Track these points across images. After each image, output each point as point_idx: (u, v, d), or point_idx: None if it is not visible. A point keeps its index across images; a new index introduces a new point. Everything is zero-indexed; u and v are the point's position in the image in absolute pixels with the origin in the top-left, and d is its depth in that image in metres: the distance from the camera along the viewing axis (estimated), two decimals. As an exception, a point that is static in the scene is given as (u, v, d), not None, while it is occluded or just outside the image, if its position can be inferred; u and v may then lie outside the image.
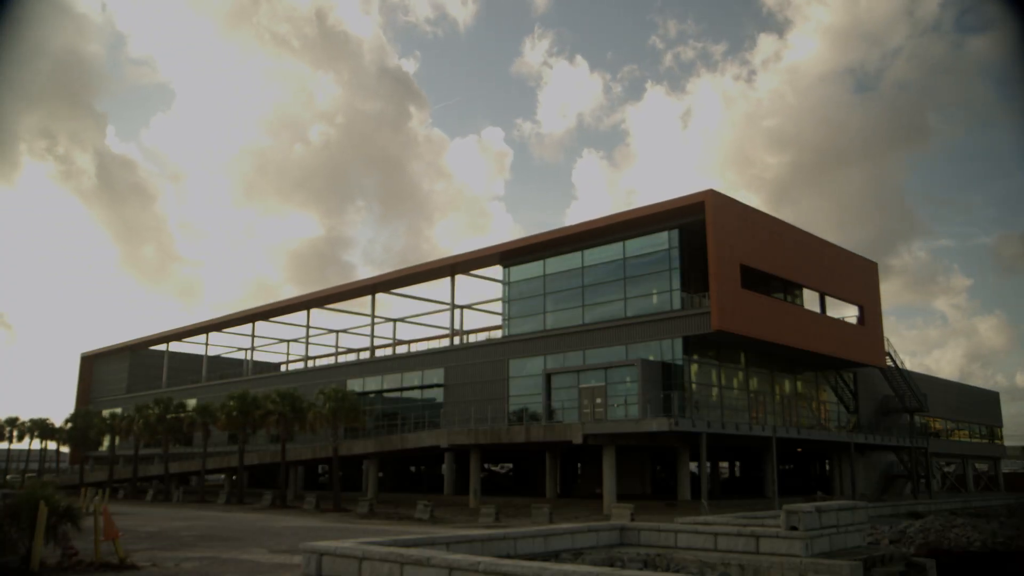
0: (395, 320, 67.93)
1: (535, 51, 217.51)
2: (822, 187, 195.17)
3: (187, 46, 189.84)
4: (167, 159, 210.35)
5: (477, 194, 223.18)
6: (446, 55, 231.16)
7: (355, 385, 55.95)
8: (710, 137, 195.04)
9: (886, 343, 53.06)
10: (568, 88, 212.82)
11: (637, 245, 42.76)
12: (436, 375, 51.39)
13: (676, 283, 40.68)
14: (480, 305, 62.42)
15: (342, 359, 69.12)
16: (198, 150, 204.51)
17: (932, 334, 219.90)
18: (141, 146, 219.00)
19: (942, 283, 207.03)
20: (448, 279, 52.96)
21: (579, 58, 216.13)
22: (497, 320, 55.35)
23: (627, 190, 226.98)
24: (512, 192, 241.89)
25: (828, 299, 49.10)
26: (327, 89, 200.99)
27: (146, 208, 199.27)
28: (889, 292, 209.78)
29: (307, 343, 68.01)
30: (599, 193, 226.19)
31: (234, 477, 58.76)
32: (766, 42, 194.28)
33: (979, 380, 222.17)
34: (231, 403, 50.34)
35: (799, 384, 50.52)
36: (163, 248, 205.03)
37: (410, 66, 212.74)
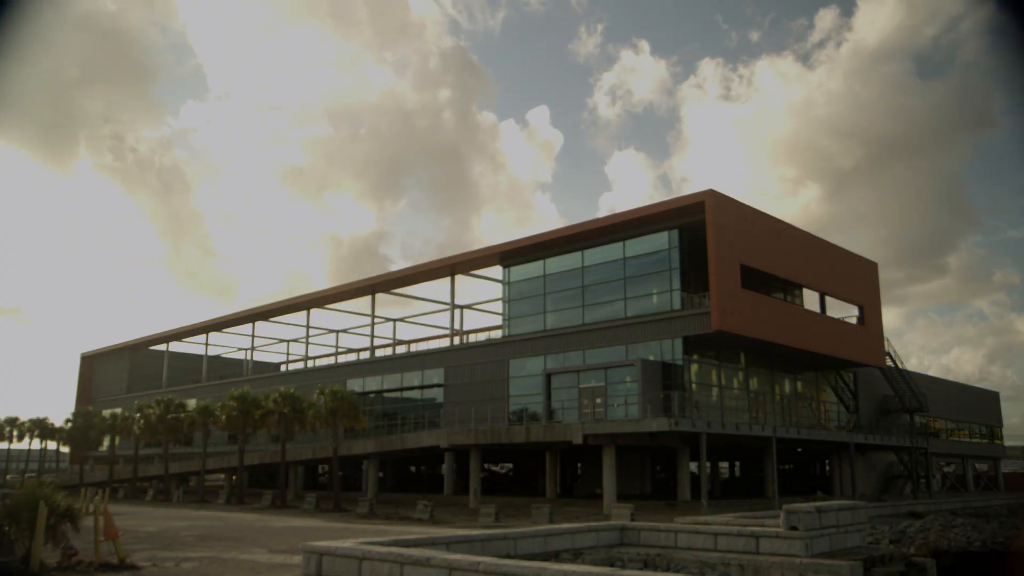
0: (395, 320, 67.97)
1: (592, 36, 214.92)
2: (883, 177, 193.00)
3: (232, 30, 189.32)
4: (207, 149, 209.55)
5: (524, 183, 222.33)
6: (500, 39, 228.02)
7: (355, 385, 55.95)
8: (768, 124, 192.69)
9: (886, 343, 53.07)
10: (624, 74, 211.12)
11: (637, 245, 42.74)
12: (436, 375, 51.37)
13: (676, 283, 40.66)
14: (480, 305, 62.44)
15: (342, 359, 69.10)
16: (238, 140, 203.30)
17: (967, 331, 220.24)
18: (181, 135, 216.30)
19: (994, 280, 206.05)
20: (448, 279, 52.96)
21: (641, 42, 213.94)
22: (497, 320, 55.34)
23: (680, 178, 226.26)
24: (560, 181, 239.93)
25: (828, 299, 49.09)
26: (381, 74, 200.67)
27: (185, 200, 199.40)
28: (938, 289, 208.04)
29: (307, 343, 67.99)
30: (648, 181, 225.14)
31: (234, 477, 58.74)
32: (828, 24, 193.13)
33: (996, 380, 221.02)
34: (231, 403, 50.32)
35: (799, 384, 50.51)
36: (201, 243, 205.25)
37: (468, 50, 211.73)
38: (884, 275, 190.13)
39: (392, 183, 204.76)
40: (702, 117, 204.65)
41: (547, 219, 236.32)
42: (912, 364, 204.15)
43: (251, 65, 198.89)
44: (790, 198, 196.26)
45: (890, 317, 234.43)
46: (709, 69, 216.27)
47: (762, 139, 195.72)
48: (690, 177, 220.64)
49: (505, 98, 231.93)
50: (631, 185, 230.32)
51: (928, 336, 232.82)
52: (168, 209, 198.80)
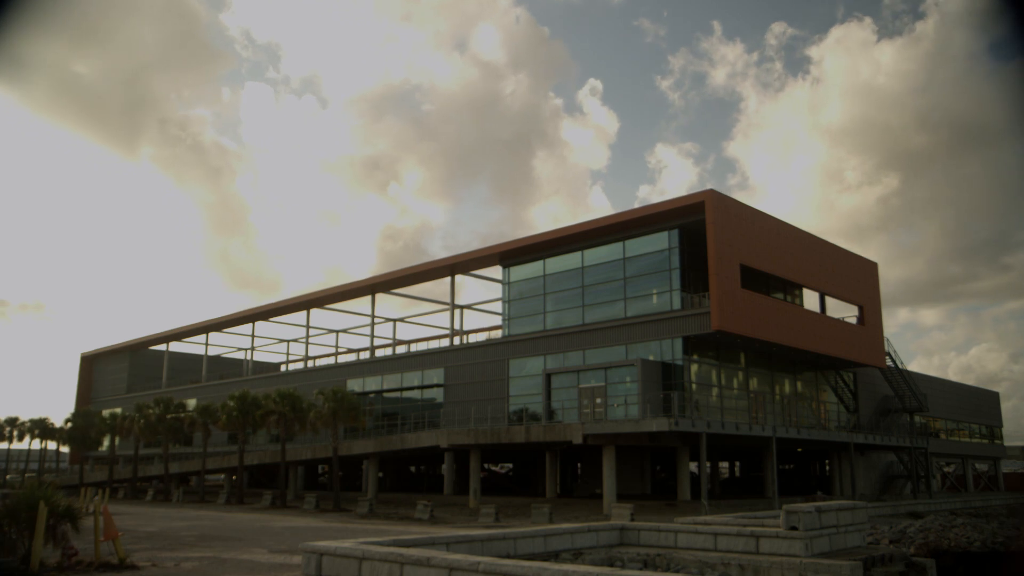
0: (395, 320, 67.95)
1: (658, 21, 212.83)
2: (954, 167, 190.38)
3: (298, 16, 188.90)
4: (265, 138, 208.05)
5: (581, 171, 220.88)
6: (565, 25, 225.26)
7: (355, 385, 55.96)
8: (834, 109, 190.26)
9: (886, 343, 53.06)
10: (692, 59, 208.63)
11: (637, 245, 42.74)
12: (436, 375, 51.38)
13: (676, 283, 40.66)
14: (480, 305, 62.45)
15: (342, 359, 69.12)
16: (296, 129, 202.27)
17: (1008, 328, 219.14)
18: (239, 123, 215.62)
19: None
20: (448, 279, 52.96)
21: (713, 22, 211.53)
22: (497, 320, 55.36)
23: (741, 166, 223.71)
24: (618, 171, 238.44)
25: (828, 299, 49.09)
26: (449, 59, 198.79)
27: (235, 190, 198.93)
28: (990, 288, 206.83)
29: (307, 343, 67.98)
30: (706, 170, 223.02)
31: (234, 477, 58.75)
32: (901, 6, 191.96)
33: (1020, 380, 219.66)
34: (231, 403, 50.35)
35: (799, 384, 50.50)
36: (247, 235, 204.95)
37: (543, 31, 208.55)
38: (941, 269, 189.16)
39: (454, 174, 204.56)
40: (768, 102, 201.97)
41: (599, 211, 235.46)
42: (936, 360, 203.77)
43: (317, 53, 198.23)
44: (853, 185, 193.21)
45: (930, 314, 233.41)
46: (778, 52, 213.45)
47: (828, 123, 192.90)
48: (750, 164, 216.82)
49: (567, 84, 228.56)
50: (687, 173, 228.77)
51: (963, 332, 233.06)
52: (223, 200, 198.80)
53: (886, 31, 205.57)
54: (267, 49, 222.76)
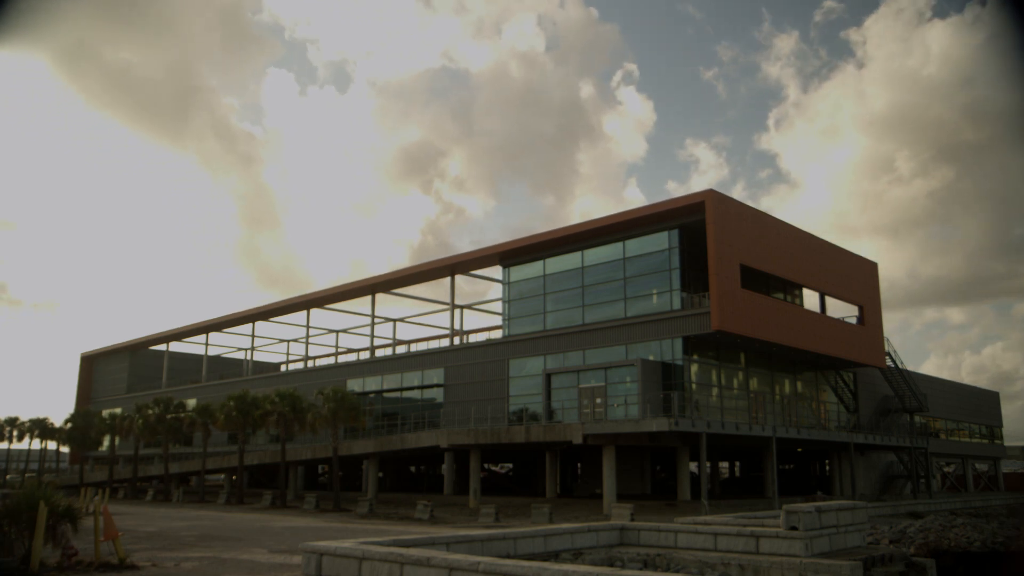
0: (395, 320, 67.95)
1: (703, 7, 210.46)
2: (1005, 161, 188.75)
3: (337, 4, 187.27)
4: (303, 129, 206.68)
5: (617, 167, 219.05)
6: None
7: (355, 385, 55.95)
8: (885, 101, 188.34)
9: (886, 343, 53.06)
10: (735, 48, 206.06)
11: (637, 245, 42.74)
12: (436, 375, 51.37)
13: (676, 283, 40.66)
14: (480, 305, 62.45)
15: (342, 359, 69.11)
16: (323, 120, 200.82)
17: None
18: (277, 115, 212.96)
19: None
20: (448, 279, 52.96)
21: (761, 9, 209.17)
22: (497, 320, 55.35)
23: (776, 163, 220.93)
24: (653, 164, 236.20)
25: (828, 299, 49.08)
26: (488, 47, 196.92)
27: (260, 184, 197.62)
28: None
29: (307, 343, 67.98)
30: (735, 163, 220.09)
31: (234, 477, 58.76)
32: None
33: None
34: (230, 403, 50.34)
35: (799, 384, 50.50)
36: (277, 235, 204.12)
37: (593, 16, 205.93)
38: (984, 266, 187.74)
39: (492, 166, 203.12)
40: (809, 92, 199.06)
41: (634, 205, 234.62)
42: (950, 360, 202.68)
43: (351, 40, 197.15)
44: (896, 179, 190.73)
45: (956, 312, 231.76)
46: (822, 38, 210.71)
47: (871, 114, 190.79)
48: (787, 156, 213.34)
49: (609, 71, 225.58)
50: (718, 169, 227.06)
51: (978, 332, 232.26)
52: (255, 192, 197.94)
53: (938, 12, 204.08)
54: (300, 37, 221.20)
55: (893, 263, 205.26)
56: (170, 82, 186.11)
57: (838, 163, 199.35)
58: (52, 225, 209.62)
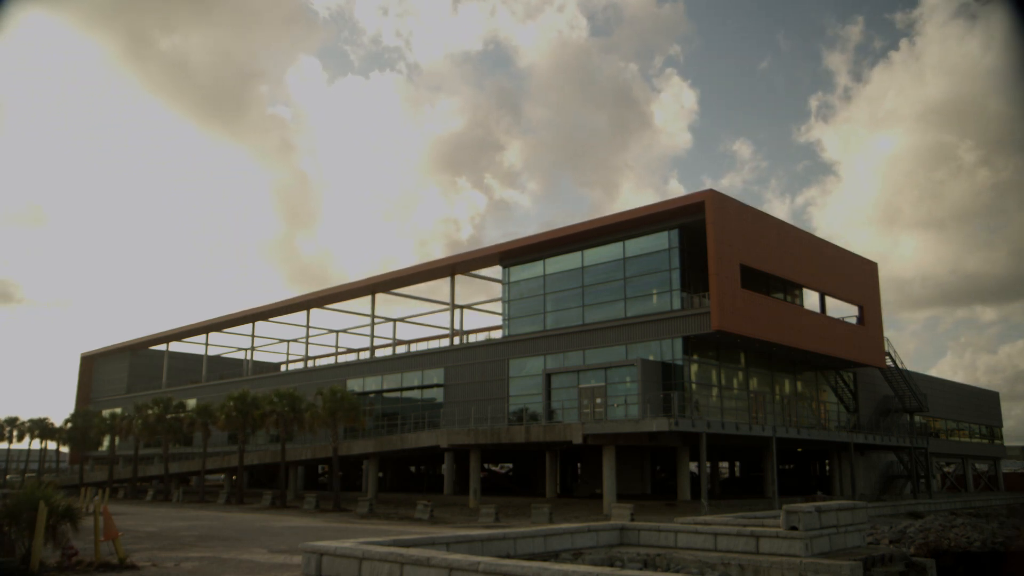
0: (395, 320, 67.95)
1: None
2: None
3: None
4: (343, 121, 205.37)
5: (661, 160, 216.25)
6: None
7: (355, 385, 55.94)
8: (927, 87, 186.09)
9: (886, 343, 53.06)
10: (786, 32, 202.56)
11: (637, 245, 42.74)
12: (436, 375, 51.37)
13: (676, 283, 40.66)
14: (480, 305, 62.44)
15: (342, 359, 69.10)
16: (363, 107, 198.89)
17: None
18: (316, 105, 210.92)
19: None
20: (448, 279, 52.95)
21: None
22: (497, 320, 55.34)
23: (819, 155, 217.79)
24: (696, 157, 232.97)
25: (828, 299, 49.09)
26: (536, 27, 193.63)
27: (298, 172, 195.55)
28: None
29: (307, 343, 67.99)
30: (783, 151, 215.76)
31: (234, 477, 58.77)
32: None
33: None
34: (230, 403, 50.34)
35: (799, 384, 50.49)
36: (311, 232, 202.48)
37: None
38: None
39: (539, 156, 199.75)
40: (860, 79, 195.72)
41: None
42: (966, 358, 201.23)
43: (397, 23, 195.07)
44: (941, 172, 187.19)
45: (988, 311, 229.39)
46: (872, 23, 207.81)
47: (926, 102, 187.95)
48: (831, 148, 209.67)
49: (659, 55, 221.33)
50: (766, 160, 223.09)
51: (996, 331, 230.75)
52: (299, 184, 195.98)
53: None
54: (344, 22, 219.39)
55: (936, 258, 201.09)
56: (214, 67, 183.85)
57: (886, 154, 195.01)
58: (70, 221, 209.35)
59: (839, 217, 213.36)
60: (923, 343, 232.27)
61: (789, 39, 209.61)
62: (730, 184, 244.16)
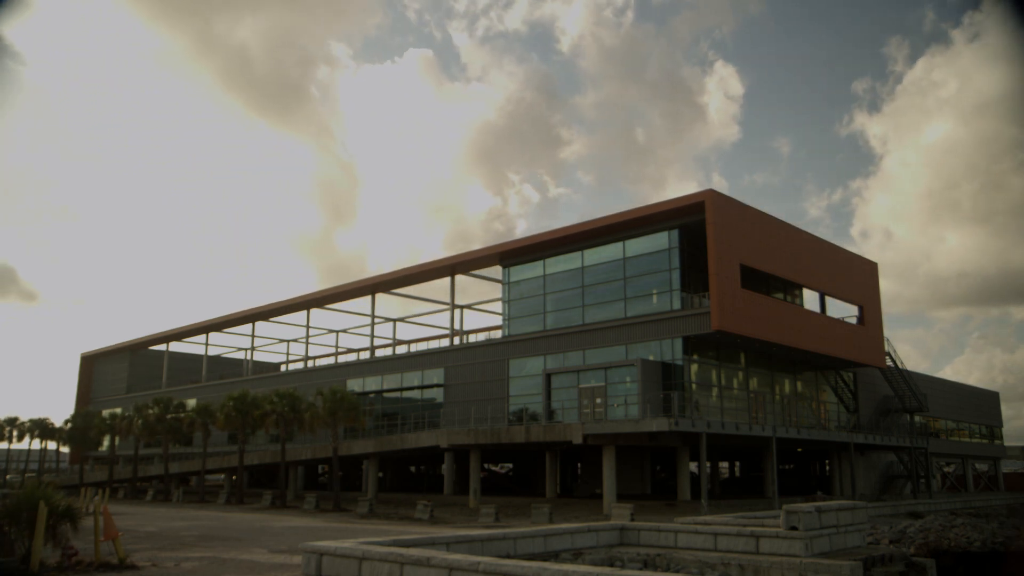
0: (395, 320, 67.96)
1: None
2: None
3: None
4: (386, 112, 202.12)
5: (708, 151, 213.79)
6: None
7: (355, 385, 55.95)
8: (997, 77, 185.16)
9: (886, 343, 53.07)
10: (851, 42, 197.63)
11: (637, 245, 42.74)
12: (436, 375, 51.37)
13: (676, 283, 40.66)
14: (480, 305, 62.43)
15: (342, 359, 69.10)
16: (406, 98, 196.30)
17: None
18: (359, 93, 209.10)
19: None
20: (448, 279, 52.95)
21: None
22: (497, 320, 55.35)
23: (868, 148, 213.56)
24: (738, 151, 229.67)
25: (828, 299, 49.09)
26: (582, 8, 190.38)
27: (340, 159, 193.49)
28: None
29: (307, 343, 67.99)
30: (828, 142, 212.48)
31: (234, 477, 58.75)
32: None
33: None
34: (230, 403, 50.33)
35: (799, 384, 50.50)
36: (350, 226, 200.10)
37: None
38: None
39: (586, 146, 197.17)
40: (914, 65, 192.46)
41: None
42: (982, 358, 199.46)
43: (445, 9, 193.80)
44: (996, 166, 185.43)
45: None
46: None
47: (986, 93, 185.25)
48: (879, 140, 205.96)
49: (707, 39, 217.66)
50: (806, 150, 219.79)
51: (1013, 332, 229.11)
52: (339, 175, 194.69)
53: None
54: (389, 8, 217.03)
55: (981, 254, 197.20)
56: (262, 52, 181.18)
57: (936, 145, 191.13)
58: (76, 219, 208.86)
59: (882, 210, 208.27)
60: (948, 342, 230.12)
61: (839, 24, 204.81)
62: (772, 174, 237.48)
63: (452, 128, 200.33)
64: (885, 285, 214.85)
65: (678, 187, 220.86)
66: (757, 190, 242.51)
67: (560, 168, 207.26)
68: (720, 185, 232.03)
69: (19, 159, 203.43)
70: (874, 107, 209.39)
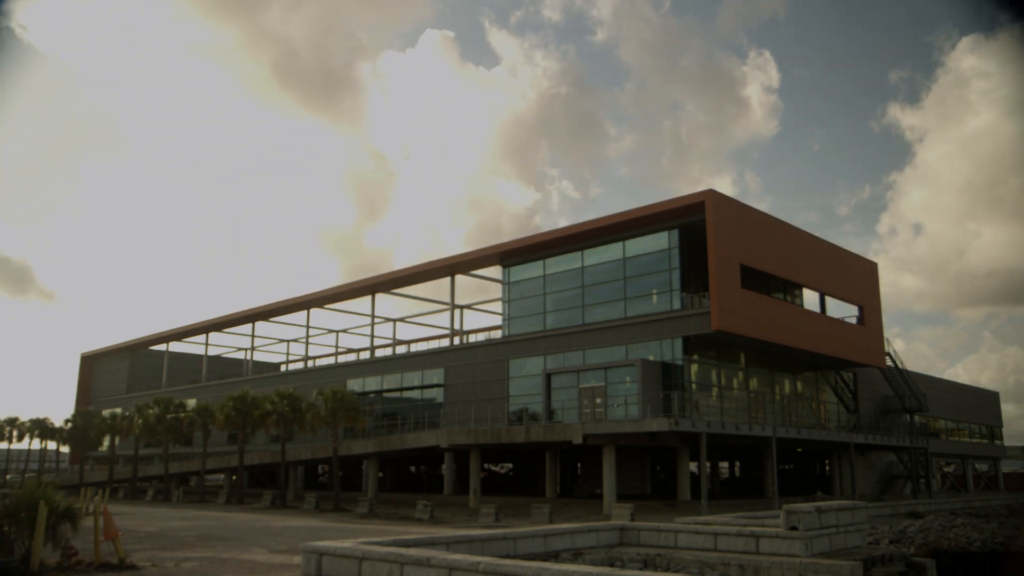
0: (395, 320, 67.96)
1: None
2: None
3: None
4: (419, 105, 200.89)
5: (743, 145, 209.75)
6: None
7: (355, 385, 55.94)
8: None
9: (886, 343, 53.07)
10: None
11: (637, 245, 42.74)
12: (436, 375, 51.37)
13: (676, 283, 40.66)
14: (480, 305, 62.43)
15: (342, 359, 69.10)
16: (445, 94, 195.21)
17: None
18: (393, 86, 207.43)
19: None
20: (448, 279, 52.95)
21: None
22: (497, 320, 55.34)
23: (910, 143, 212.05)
24: (776, 148, 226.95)
25: (828, 299, 49.09)
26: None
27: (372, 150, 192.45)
28: None
29: (307, 343, 67.99)
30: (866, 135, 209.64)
31: (234, 477, 58.75)
32: None
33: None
34: (230, 403, 50.31)
35: (799, 384, 50.50)
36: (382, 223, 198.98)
37: None
38: None
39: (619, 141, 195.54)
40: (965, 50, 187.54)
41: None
42: (995, 358, 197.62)
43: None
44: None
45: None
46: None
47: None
48: (920, 133, 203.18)
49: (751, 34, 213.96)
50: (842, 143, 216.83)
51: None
52: (373, 171, 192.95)
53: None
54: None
55: (1017, 251, 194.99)
56: (305, 43, 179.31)
57: (978, 138, 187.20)
58: (77, 219, 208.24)
59: (916, 205, 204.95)
60: (968, 341, 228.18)
61: (881, 13, 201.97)
62: (804, 169, 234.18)
63: (486, 121, 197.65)
64: (911, 282, 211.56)
65: (710, 184, 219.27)
66: (789, 184, 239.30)
67: (598, 162, 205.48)
68: (753, 181, 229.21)
69: (39, 155, 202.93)
70: (912, 98, 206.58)
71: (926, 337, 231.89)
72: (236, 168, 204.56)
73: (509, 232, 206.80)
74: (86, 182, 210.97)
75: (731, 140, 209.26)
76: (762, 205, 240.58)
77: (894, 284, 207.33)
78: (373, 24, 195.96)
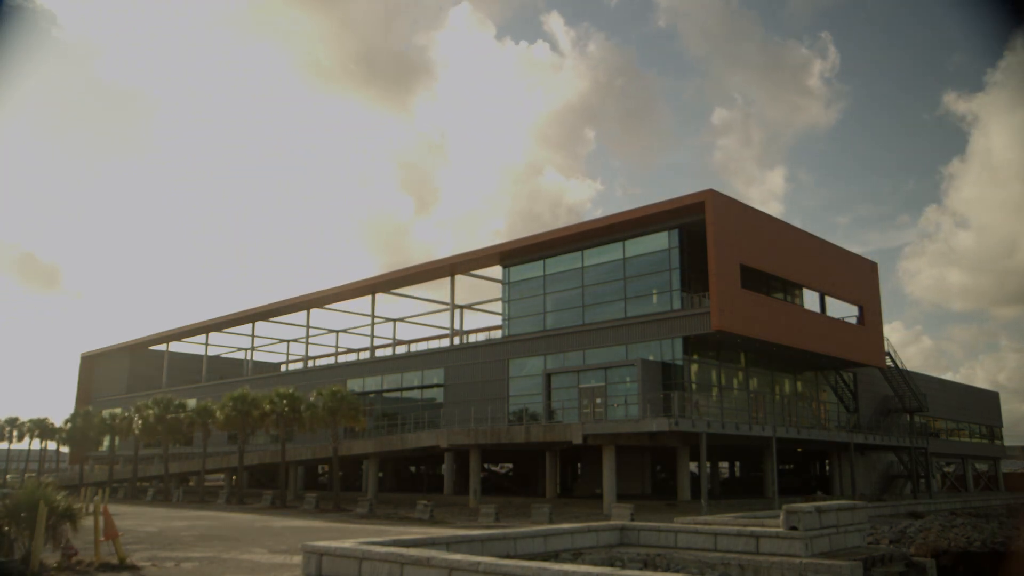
0: (395, 320, 67.96)
1: None
2: None
3: None
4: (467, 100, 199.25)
5: (799, 140, 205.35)
6: None
7: (355, 385, 55.93)
8: None
9: (886, 343, 53.08)
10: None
11: (637, 245, 42.75)
12: (436, 375, 51.37)
13: (676, 283, 40.67)
14: (480, 305, 62.43)
15: (342, 359, 69.10)
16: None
17: None
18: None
19: None
20: (448, 279, 52.95)
21: None
22: (497, 320, 55.34)
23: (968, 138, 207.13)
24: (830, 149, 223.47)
25: (828, 299, 49.09)
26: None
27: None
28: None
29: (307, 343, 67.98)
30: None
31: (234, 477, 58.75)
32: None
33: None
34: (230, 403, 50.29)
35: (799, 384, 50.50)
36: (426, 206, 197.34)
37: None
38: None
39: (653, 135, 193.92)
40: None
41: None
42: (1007, 359, 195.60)
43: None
44: None
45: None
46: None
47: None
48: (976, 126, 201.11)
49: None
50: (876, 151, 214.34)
51: None
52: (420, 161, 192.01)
53: None
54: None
55: None
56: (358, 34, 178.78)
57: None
58: (77, 219, 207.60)
59: (970, 198, 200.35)
60: (994, 340, 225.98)
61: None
62: (857, 159, 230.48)
63: (542, 109, 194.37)
64: (954, 277, 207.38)
65: (763, 178, 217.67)
66: (842, 175, 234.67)
67: (649, 153, 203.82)
68: (805, 178, 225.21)
69: (51, 152, 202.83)
70: (975, 86, 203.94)
71: (958, 336, 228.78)
72: (241, 168, 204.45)
73: (553, 224, 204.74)
74: (86, 182, 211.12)
75: (789, 130, 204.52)
76: (812, 201, 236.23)
77: (940, 278, 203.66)
78: (426, 6, 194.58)
